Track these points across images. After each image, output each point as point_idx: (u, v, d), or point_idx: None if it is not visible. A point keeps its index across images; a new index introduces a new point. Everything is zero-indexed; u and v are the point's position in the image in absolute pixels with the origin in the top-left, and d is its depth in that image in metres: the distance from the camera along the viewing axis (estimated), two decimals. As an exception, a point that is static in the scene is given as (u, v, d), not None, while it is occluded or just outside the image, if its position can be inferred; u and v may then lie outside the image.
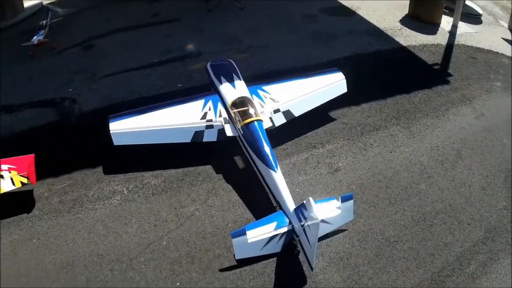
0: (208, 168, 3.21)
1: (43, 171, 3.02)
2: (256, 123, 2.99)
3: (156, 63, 4.49)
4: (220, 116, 3.17)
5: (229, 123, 3.12)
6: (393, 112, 3.70)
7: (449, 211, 2.89)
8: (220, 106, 3.23)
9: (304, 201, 2.33)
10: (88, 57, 4.60)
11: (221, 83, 3.29)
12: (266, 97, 3.30)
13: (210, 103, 3.25)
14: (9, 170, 2.82)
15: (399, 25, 5.20)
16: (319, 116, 3.54)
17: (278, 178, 2.72)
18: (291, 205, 2.57)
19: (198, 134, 3.12)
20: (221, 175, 3.14)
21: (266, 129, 3.07)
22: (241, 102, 3.11)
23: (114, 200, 3.00)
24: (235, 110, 3.09)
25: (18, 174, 2.81)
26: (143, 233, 2.77)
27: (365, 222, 2.79)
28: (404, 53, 4.62)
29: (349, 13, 5.42)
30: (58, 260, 2.57)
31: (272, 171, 2.74)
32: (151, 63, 4.48)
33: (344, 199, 2.52)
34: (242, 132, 3.00)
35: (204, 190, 3.05)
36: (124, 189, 3.08)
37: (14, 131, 3.59)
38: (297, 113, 3.29)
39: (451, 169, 3.20)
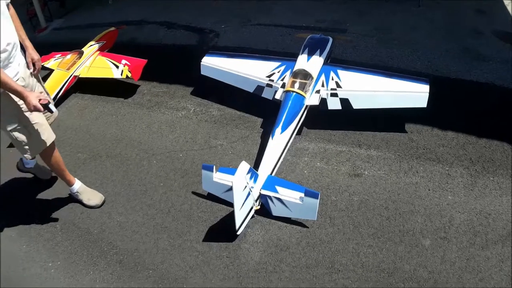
0: (259, 120, 3.55)
1: (154, 76, 4.10)
2: (294, 94, 3.15)
3: (303, 27, 4.80)
4: (282, 80, 3.43)
5: (282, 88, 3.36)
6: (473, 155, 2.98)
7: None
8: (288, 73, 3.46)
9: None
10: (255, 7, 5.26)
11: (301, 54, 3.47)
12: (333, 79, 3.28)
13: (282, 67, 3.51)
14: (124, 64, 3.94)
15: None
16: (392, 121, 3.26)
17: (270, 146, 2.92)
18: (261, 170, 2.79)
19: (259, 88, 3.49)
20: (262, 130, 3.46)
21: (309, 106, 3.21)
22: (297, 73, 3.29)
23: (179, 113, 3.81)
24: (289, 78, 3.31)
25: (128, 69, 3.90)
26: (175, 142, 3.49)
27: (328, 232, 2.61)
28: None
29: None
30: (116, 135, 3.55)
31: (270, 138, 2.97)
32: (298, 25, 4.81)
33: (308, 194, 2.45)
34: (282, 98, 3.24)
35: (239, 134, 3.47)
36: (192, 109, 3.83)
37: (161, 42, 4.83)
38: (355, 105, 3.18)
39: (480, 248, 2.36)
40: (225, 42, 4.60)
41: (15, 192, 3.43)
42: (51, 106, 2.49)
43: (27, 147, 2.67)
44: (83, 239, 2.94)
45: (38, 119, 2.66)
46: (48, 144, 2.73)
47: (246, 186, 2.51)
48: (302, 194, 2.54)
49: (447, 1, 4.79)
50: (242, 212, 2.57)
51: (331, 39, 3.63)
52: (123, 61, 3.97)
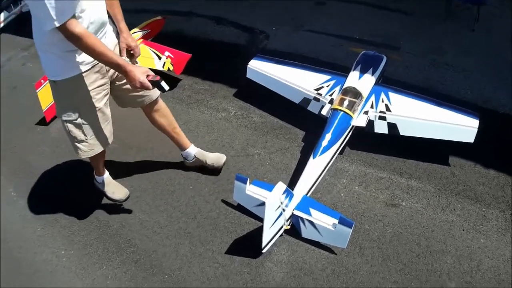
0: (301, 134, 3.39)
1: (198, 71, 3.99)
2: (341, 113, 2.97)
3: (356, 39, 4.59)
4: (331, 96, 3.25)
5: (330, 104, 3.19)
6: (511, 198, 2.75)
7: None
8: (337, 88, 3.28)
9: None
10: (312, 11, 5.06)
11: (354, 70, 3.29)
12: (383, 101, 3.10)
13: (331, 82, 3.34)
14: (167, 56, 3.84)
15: None
16: (436, 152, 3.06)
17: (310, 165, 2.77)
18: (297, 190, 2.64)
19: (305, 100, 3.33)
20: (303, 144, 3.30)
21: (355, 127, 3.04)
22: (347, 91, 3.10)
23: (219, 114, 3.69)
24: (338, 95, 3.13)
25: (170, 62, 3.80)
26: (210, 145, 3.36)
27: (355, 262, 2.48)
28: None
29: None
30: (150, 128, 3.24)
31: (311, 157, 2.81)
32: (351, 36, 4.60)
33: (342, 222, 2.30)
34: (328, 115, 3.07)
35: (279, 145, 3.31)
36: (233, 112, 3.70)
37: (209, 37, 4.72)
38: (402, 131, 2.98)
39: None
40: (275, 46, 4.45)
41: (36, 172, 3.40)
42: (164, 84, 2.08)
43: (78, 145, 2.42)
44: (101, 232, 2.88)
45: (103, 119, 2.37)
46: (102, 149, 2.53)
47: (279, 206, 2.37)
48: (336, 221, 2.38)
49: (503, 26, 4.44)
50: (271, 231, 2.43)
51: (385, 58, 3.42)
52: (166, 53, 3.87)
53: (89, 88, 2.21)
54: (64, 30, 1.87)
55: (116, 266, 2.67)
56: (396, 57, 4.02)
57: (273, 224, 2.40)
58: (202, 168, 3.09)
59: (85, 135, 2.36)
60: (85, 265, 2.69)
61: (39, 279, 2.67)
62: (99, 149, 2.48)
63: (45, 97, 3.83)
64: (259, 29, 4.79)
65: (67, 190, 3.21)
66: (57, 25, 1.84)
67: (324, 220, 2.45)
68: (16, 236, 2.96)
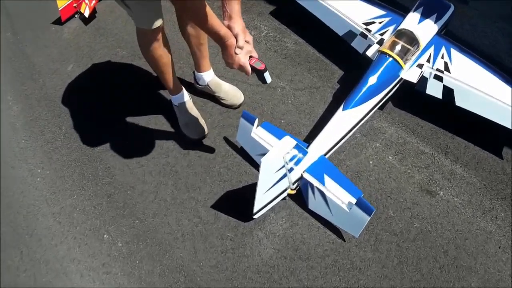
0: (339, 73, 2.76)
1: None
2: (390, 59, 2.30)
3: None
4: (381, 35, 2.54)
5: (378, 45, 2.49)
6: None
7: None
8: (391, 28, 2.56)
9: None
10: None
11: (414, 11, 2.54)
12: (442, 58, 2.39)
13: (385, 19, 2.62)
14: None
15: None
16: (492, 138, 2.38)
17: (337, 118, 2.16)
18: (314, 146, 2.05)
19: (350, 34, 2.64)
20: (338, 86, 2.68)
21: (403, 80, 2.37)
22: (402, 33, 2.39)
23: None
24: (390, 36, 2.44)
25: None
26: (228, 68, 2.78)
27: (365, 257, 1.95)
28: None
29: None
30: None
31: (340, 108, 2.19)
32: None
33: (361, 205, 1.75)
34: (374, 58, 2.39)
35: (309, 82, 2.69)
36: (265, 32, 3.03)
37: None
38: (459, 101, 2.29)
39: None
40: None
41: (36, 76, 3.04)
42: (267, 75, 1.68)
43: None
44: (82, 153, 2.48)
45: None
46: (149, 27, 1.91)
47: (282, 167, 1.81)
48: (354, 201, 1.83)
49: None
50: (267, 196, 1.91)
51: (452, 7, 2.62)
52: None
53: None
54: None
55: (88, 197, 2.29)
56: (464, 11, 3.14)
57: (271, 187, 1.88)
58: (214, 97, 2.55)
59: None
60: (56, 190, 2.35)
61: (6, 199, 2.35)
62: (143, 24, 1.91)
63: (62, -6, 3.39)
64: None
65: (61, 99, 2.81)
66: None
67: (338, 195, 1.89)
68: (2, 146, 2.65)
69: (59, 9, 3.40)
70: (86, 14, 3.26)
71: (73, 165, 2.45)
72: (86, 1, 3.28)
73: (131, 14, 1.92)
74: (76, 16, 3.41)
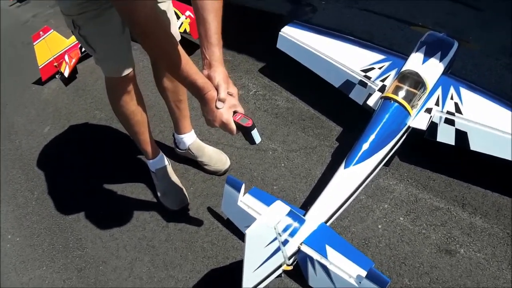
0: (337, 130, 2.52)
1: (223, 39, 3.14)
2: (395, 105, 2.05)
3: (419, 26, 3.59)
4: (382, 81, 2.34)
5: (380, 92, 2.28)
6: None
7: None
8: (393, 73, 2.36)
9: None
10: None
11: (416, 51, 2.34)
12: (452, 99, 2.16)
13: (386, 63, 2.42)
14: (187, 16, 3.08)
15: None
16: (509, 179, 2.08)
17: (339, 177, 1.86)
18: (313, 213, 1.75)
19: (348, 84, 2.42)
20: (337, 144, 2.43)
21: (411, 129, 2.10)
22: (406, 76, 2.17)
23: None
24: (392, 80, 2.21)
25: (188, 23, 3.04)
26: (214, 129, 2.56)
27: None
28: None
29: None
30: (149, 100, 2.72)
31: (342, 166, 1.90)
32: (414, 22, 3.59)
33: (373, 277, 1.41)
34: (377, 107, 2.15)
35: (304, 142, 2.45)
36: (253, 90, 2.87)
37: (245, 3, 3.83)
38: (474, 145, 2.02)
39: None
40: (321, 21, 3.56)
41: (14, 136, 3.01)
42: (255, 134, 1.37)
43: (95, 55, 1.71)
44: (53, 221, 2.32)
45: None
46: (118, 74, 1.71)
47: (275, 239, 1.50)
48: (364, 273, 1.48)
49: None
50: (257, 274, 1.57)
51: (456, 44, 2.41)
52: (187, 13, 3.10)
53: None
54: None
55: (57, 269, 2.10)
56: (471, 45, 2.99)
57: (262, 264, 1.55)
58: (197, 163, 2.30)
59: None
60: (25, 259, 2.21)
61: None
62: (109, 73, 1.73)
63: (43, 52, 3.35)
64: (307, 2, 3.90)
65: (36, 162, 2.72)
66: None
67: (345, 268, 1.55)
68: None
69: (39, 67, 3.36)
70: (66, 74, 3.14)
71: (43, 234, 2.26)
72: (67, 60, 3.16)
73: (97, 58, 1.71)
74: (57, 76, 3.32)
